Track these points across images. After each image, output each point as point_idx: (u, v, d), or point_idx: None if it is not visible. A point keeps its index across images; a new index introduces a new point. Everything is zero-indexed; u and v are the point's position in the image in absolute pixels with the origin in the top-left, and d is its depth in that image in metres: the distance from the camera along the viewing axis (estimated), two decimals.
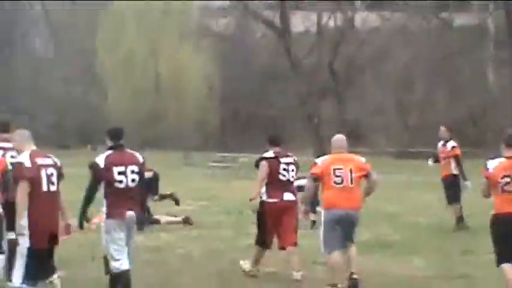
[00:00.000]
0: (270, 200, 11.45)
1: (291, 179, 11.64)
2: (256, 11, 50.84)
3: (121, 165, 9.48)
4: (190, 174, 33.78)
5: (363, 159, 10.92)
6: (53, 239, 9.13)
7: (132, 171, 9.54)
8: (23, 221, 8.84)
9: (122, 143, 9.74)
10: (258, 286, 10.97)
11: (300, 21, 51.34)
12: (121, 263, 9.44)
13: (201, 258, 12.92)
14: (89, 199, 9.51)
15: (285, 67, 49.68)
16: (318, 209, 16.98)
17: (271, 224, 11.47)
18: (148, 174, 17.72)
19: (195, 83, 48.64)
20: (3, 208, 9.43)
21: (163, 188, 21.61)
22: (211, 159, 36.16)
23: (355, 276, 10.55)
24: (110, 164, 9.45)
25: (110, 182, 9.42)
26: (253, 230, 16.14)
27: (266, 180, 11.52)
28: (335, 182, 10.54)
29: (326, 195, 10.66)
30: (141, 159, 9.76)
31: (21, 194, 8.86)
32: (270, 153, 11.67)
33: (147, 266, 12.10)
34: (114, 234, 9.46)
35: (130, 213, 9.46)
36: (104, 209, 9.50)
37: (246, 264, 11.75)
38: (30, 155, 9.06)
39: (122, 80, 49.27)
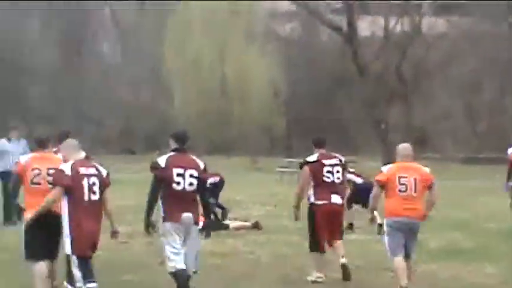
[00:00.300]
0: (319, 202, 11.55)
1: (336, 181, 11.68)
2: (323, 15, 50.66)
3: (181, 167, 9.57)
4: (257, 180, 33.72)
5: (427, 170, 10.84)
6: (93, 247, 9.20)
7: (191, 175, 9.60)
8: (64, 229, 8.96)
9: (185, 147, 9.81)
10: None
11: (367, 26, 50.98)
12: (176, 263, 9.52)
13: (268, 264, 12.84)
14: (152, 202, 9.59)
15: (351, 71, 49.34)
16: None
17: (321, 226, 11.54)
18: (214, 179, 17.74)
19: (261, 86, 48.63)
20: None
21: (231, 194, 21.61)
22: (278, 164, 36.06)
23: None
24: (170, 164, 9.56)
25: (168, 183, 9.51)
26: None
27: (312, 183, 11.60)
28: (399, 190, 10.51)
29: (389, 203, 10.62)
30: (202, 165, 9.79)
31: (51, 197, 9.02)
32: (313, 157, 11.77)
33: (214, 270, 12.11)
34: (170, 237, 9.56)
35: (186, 215, 9.51)
36: (161, 212, 9.58)
37: (310, 277, 11.59)
38: (73, 164, 9.13)
39: (189, 84, 49.53)
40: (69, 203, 8.93)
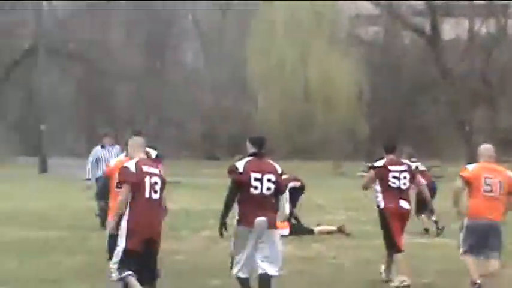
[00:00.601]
0: (388, 206, 11.64)
1: (403, 187, 11.74)
2: (405, 17, 50.28)
3: (258, 172, 9.60)
4: (340, 184, 33.62)
5: (511, 174, 10.81)
6: (151, 244, 9.29)
7: (269, 180, 9.64)
8: (122, 222, 9.12)
9: (263, 151, 9.86)
10: None
11: (451, 28, 50.41)
12: (239, 270, 9.63)
13: (351, 269, 12.80)
14: (228, 205, 9.65)
15: (434, 74, 48.86)
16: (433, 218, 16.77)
17: (395, 227, 11.61)
18: (295, 184, 17.79)
19: (344, 90, 48.45)
20: None
21: (313, 198, 21.64)
22: (360, 169, 35.88)
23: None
24: (248, 169, 9.59)
25: (246, 187, 9.55)
26: (406, 240, 16.02)
27: (380, 188, 11.73)
28: (484, 191, 10.52)
29: (472, 203, 10.62)
30: (279, 170, 9.84)
31: (122, 197, 9.15)
32: (380, 162, 11.88)
33: (298, 275, 12.11)
34: (241, 241, 9.64)
35: (260, 220, 9.51)
36: (236, 215, 9.64)
37: (393, 283, 11.51)
38: (137, 162, 9.31)
39: (272, 89, 49.67)
40: (131, 199, 9.15)
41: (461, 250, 10.74)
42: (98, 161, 17.96)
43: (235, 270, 9.71)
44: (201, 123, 57.08)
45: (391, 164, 11.84)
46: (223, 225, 9.66)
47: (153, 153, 12.02)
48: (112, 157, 16.74)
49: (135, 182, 9.13)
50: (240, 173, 9.58)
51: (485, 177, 10.59)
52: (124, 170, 9.25)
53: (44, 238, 15.46)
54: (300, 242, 15.70)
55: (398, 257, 11.57)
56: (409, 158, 17.31)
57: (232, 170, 9.65)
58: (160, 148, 18.17)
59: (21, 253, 13.87)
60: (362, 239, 16.46)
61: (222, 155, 51.91)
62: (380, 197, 11.76)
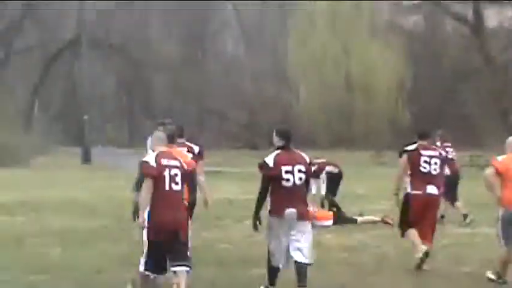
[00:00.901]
0: (414, 192, 11.75)
1: (434, 172, 11.82)
2: (447, 5, 49.82)
3: (289, 164, 9.78)
4: (381, 174, 33.40)
5: None
6: (174, 234, 9.35)
7: (299, 170, 9.81)
8: (145, 214, 9.23)
9: (291, 143, 10.00)
10: (456, 285, 10.74)
11: (494, 15, 49.83)
12: (274, 260, 9.89)
13: (395, 258, 12.76)
14: (261, 199, 9.84)
15: (476, 63, 48.42)
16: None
17: (413, 216, 11.76)
18: (333, 169, 17.84)
19: (385, 80, 48.25)
20: None
21: (355, 188, 21.56)
22: None
23: None
24: (278, 163, 9.77)
25: (278, 181, 9.72)
26: (448, 230, 15.96)
27: (409, 172, 11.83)
28: None
29: (506, 194, 10.61)
30: (307, 159, 10.00)
31: (145, 190, 9.27)
32: (412, 146, 11.97)
33: (343, 264, 12.17)
34: (274, 231, 9.84)
35: (290, 211, 9.71)
36: (268, 205, 9.83)
37: (417, 252, 11.66)
38: (156, 155, 9.44)
39: (313, 79, 49.60)
40: (153, 191, 9.29)
41: (501, 242, 10.74)
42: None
43: (269, 260, 9.99)
44: (242, 113, 57.12)
45: (423, 149, 11.94)
46: (257, 219, 9.87)
47: (196, 149, 12.04)
48: None
49: (155, 176, 9.28)
50: (271, 168, 9.75)
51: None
52: (145, 164, 9.40)
53: (88, 227, 15.60)
54: (343, 231, 15.65)
55: (410, 232, 11.80)
56: (442, 140, 17.51)
57: (263, 166, 9.85)
58: (201, 140, 18.30)
59: (65, 242, 13.99)
60: None
61: (263, 144, 51.94)
62: (408, 181, 11.87)
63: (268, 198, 9.87)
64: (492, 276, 10.84)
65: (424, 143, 12.07)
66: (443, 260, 12.47)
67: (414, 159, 11.86)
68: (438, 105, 53.39)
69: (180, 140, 11.98)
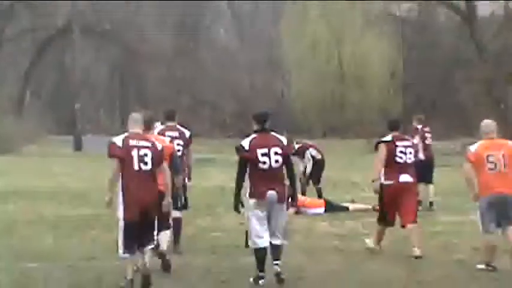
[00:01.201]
0: (386, 182, 12.07)
1: (408, 161, 12.16)
2: None
3: (264, 147, 9.94)
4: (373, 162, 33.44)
5: None
6: (145, 213, 9.53)
7: (276, 153, 9.96)
8: (119, 196, 9.47)
9: (267, 127, 10.16)
10: (446, 272, 10.72)
11: (486, 4, 49.76)
12: (258, 240, 9.94)
13: (387, 246, 12.79)
14: (239, 182, 10.01)
15: (469, 52, 48.35)
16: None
17: (389, 205, 12.09)
18: (317, 154, 18.06)
19: (378, 69, 48.27)
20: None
21: (348, 176, 21.57)
22: None
23: None
24: (253, 146, 9.96)
25: (255, 163, 9.91)
26: (441, 217, 16.02)
27: (383, 163, 12.09)
28: (489, 169, 10.78)
29: (480, 181, 10.84)
30: (284, 141, 10.11)
31: (112, 171, 9.54)
32: (388, 137, 12.26)
33: (334, 252, 12.22)
34: (254, 213, 9.94)
35: (271, 193, 9.86)
36: (248, 188, 9.97)
37: (370, 243, 12.28)
38: (126, 136, 9.67)
39: (306, 68, 49.56)
40: (122, 172, 9.52)
41: (482, 230, 10.92)
42: None
43: (251, 242, 10.06)
44: (234, 103, 57.08)
45: (399, 140, 12.26)
46: (237, 201, 10.05)
47: (187, 133, 12.41)
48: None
49: (121, 156, 9.48)
50: (247, 151, 9.93)
51: (488, 155, 10.82)
52: (112, 145, 9.61)
53: (80, 215, 15.59)
54: (335, 219, 15.72)
55: (382, 228, 12.20)
56: (423, 125, 18.01)
57: (239, 149, 10.04)
58: (194, 129, 18.32)
59: (58, 230, 14.02)
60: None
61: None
62: (382, 171, 12.13)
63: (247, 182, 10.01)
64: (482, 267, 10.92)
65: (396, 133, 12.35)
66: (434, 248, 12.52)
67: (390, 150, 12.12)
68: (431, 94, 53.44)
69: (171, 123, 12.15)
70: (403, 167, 12.12)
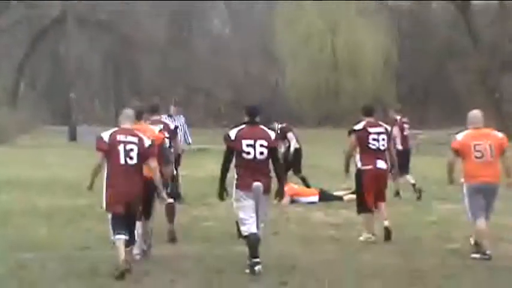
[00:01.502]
0: (364, 168, 12.28)
1: (382, 148, 12.39)
2: None
3: (250, 138, 10.15)
4: None
5: (500, 134, 11.31)
6: (128, 206, 9.86)
7: (261, 145, 10.14)
8: (103, 188, 9.90)
9: (257, 120, 10.36)
10: (440, 261, 10.74)
11: None
12: (248, 227, 10.06)
13: (381, 235, 12.78)
14: (224, 170, 10.20)
15: (464, 41, 48.37)
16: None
17: (367, 189, 12.29)
18: (296, 144, 18.15)
19: (372, 58, 48.23)
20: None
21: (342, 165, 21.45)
22: None
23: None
24: (239, 137, 10.16)
25: (239, 153, 10.12)
26: (436, 206, 16.04)
27: (358, 149, 12.35)
28: (476, 157, 10.98)
29: (466, 169, 11.05)
30: (272, 136, 10.29)
31: (97, 163, 9.95)
32: (359, 125, 12.45)
33: (330, 241, 12.26)
34: (242, 203, 10.11)
35: (256, 185, 10.01)
36: (234, 180, 10.14)
37: (361, 237, 12.32)
38: (113, 131, 10.05)
39: (300, 57, 49.51)
40: (107, 165, 9.92)
41: (470, 217, 11.10)
42: None
43: (242, 230, 10.19)
44: (229, 92, 57.04)
45: (370, 126, 12.41)
46: (222, 189, 10.24)
47: (172, 125, 12.72)
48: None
49: (107, 150, 9.84)
50: (232, 141, 10.13)
51: (475, 144, 11.02)
52: (98, 139, 9.97)
53: (75, 206, 15.57)
54: (329, 208, 15.73)
55: (367, 216, 12.33)
56: (402, 116, 18.21)
57: (225, 138, 10.23)
58: (188, 118, 18.28)
59: (52, 220, 14.01)
60: (393, 206, 16.38)
61: None
62: (358, 157, 12.34)
63: (234, 173, 10.16)
64: (476, 256, 10.96)
65: (371, 119, 12.51)
66: (429, 237, 12.55)
67: (363, 138, 12.31)
68: (425, 83, 53.47)
69: (155, 117, 12.23)
70: (378, 153, 12.34)
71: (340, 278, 9.79)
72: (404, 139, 17.99)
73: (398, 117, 18.17)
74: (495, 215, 11.67)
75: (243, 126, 10.33)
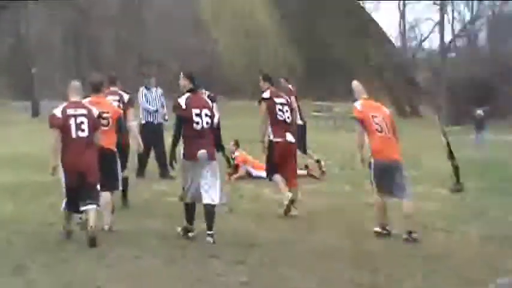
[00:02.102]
0: (276, 140, 12.06)
1: (288, 120, 12.13)
2: None
3: (197, 107, 10.24)
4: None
5: (387, 110, 10.93)
6: (81, 176, 10.01)
7: (206, 114, 10.26)
8: (58, 161, 9.96)
9: (197, 84, 10.46)
10: (386, 243, 10.68)
11: None
12: (189, 196, 10.31)
13: (326, 213, 12.85)
14: (175, 139, 10.22)
15: None
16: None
17: (277, 161, 12.07)
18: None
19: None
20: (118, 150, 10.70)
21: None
22: (311, 109, 35.39)
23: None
24: (189, 105, 10.20)
25: (189, 123, 10.17)
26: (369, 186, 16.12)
27: (268, 121, 12.05)
28: (376, 130, 10.50)
29: (371, 143, 10.56)
30: (211, 104, 10.42)
31: (54, 140, 10.02)
32: (266, 94, 12.16)
33: (277, 219, 12.25)
34: (187, 172, 10.27)
35: (201, 152, 10.11)
36: (181, 150, 10.21)
37: (286, 201, 12.13)
38: (64, 106, 10.17)
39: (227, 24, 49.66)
40: (62, 139, 10.03)
41: (374, 190, 10.68)
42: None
43: (184, 197, 10.38)
44: (175, 63, 56.93)
45: (276, 97, 12.18)
46: (173, 157, 10.31)
47: (126, 97, 12.55)
48: (155, 100, 16.72)
49: (60, 125, 10.00)
50: (184, 109, 10.14)
51: (373, 116, 10.48)
52: (51, 116, 10.09)
53: (40, 182, 15.39)
54: (276, 186, 15.75)
55: (277, 177, 12.15)
56: (287, 82, 16.97)
57: (176, 107, 10.20)
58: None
59: (18, 197, 13.95)
60: (328, 183, 16.42)
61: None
62: (270, 129, 12.08)
63: (181, 144, 10.22)
64: (377, 229, 10.71)
65: (272, 88, 12.27)
66: (369, 218, 11.73)
67: (270, 107, 12.11)
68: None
69: (112, 88, 12.38)
70: (286, 126, 12.08)
71: (295, 257, 9.71)
72: (301, 113, 16.87)
73: (291, 87, 16.59)
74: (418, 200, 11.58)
75: (189, 94, 10.32)
